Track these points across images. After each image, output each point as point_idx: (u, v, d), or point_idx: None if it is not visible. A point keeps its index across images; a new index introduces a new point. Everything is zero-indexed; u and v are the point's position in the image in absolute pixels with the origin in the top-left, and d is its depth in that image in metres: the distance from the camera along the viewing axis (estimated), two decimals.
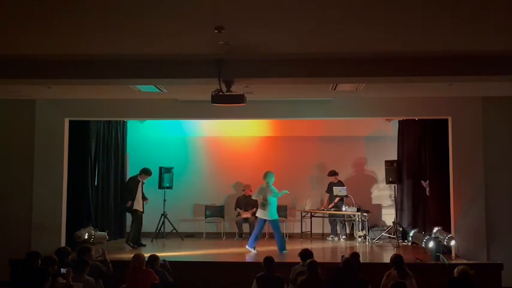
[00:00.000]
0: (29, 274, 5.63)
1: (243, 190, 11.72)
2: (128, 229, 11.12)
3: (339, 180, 11.45)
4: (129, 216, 10.87)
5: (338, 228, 11.52)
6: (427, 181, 10.21)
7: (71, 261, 6.57)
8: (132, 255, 6.76)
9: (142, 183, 10.50)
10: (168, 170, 11.38)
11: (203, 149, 12.25)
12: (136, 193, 10.31)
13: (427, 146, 10.26)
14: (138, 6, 4.69)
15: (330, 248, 10.52)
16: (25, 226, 9.12)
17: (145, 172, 10.49)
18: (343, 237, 11.35)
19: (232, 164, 12.02)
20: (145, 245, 10.09)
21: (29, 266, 6.19)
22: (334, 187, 11.26)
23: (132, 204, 10.27)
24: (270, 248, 9.81)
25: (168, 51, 6.28)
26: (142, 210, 10.41)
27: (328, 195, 11.54)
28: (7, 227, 9.09)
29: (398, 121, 11.24)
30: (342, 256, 7.10)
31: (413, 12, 4.82)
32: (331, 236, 11.49)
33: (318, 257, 6.98)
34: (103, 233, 9.31)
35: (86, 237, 8.82)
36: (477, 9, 4.73)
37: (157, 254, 6.98)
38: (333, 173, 11.42)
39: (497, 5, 4.65)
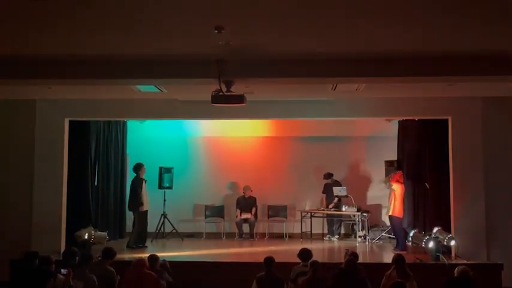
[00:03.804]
0: (31, 274, 5.63)
1: (243, 191, 11.71)
2: (128, 229, 11.12)
3: (336, 181, 11.45)
4: (129, 216, 10.85)
5: (334, 228, 11.53)
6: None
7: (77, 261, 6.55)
8: (132, 255, 6.72)
9: (145, 180, 10.48)
10: (168, 170, 11.37)
11: (203, 149, 12.25)
12: (142, 193, 10.25)
13: (427, 146, 10.25)
14: (138, 7, 4.69)
15: (330, 248, 10.52)
16: (25, 226, 9.12)
17: (139, 167, 10.38)
18: (336, 236, 11.36)
19: (232, 164, 12.02)
20: (146, 246, 10.08)
21: (28, 266, 6.18)
22: (334, 187, 11.26)
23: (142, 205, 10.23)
24: (270, 248, 9.82)
25: (168, 51, 6.28)
26: (147, 209, 10.37)
27: (325, 195, 11.55)
28: (7, 227, 9.08)
29: (398, 121, 11.23)
30: (345, 255, 7.09)
31: (414, 12, 4.83)
32: (327, 236, 11.50)
33: (317, 257, 6.98)
34: (103, 233, 9.28)
35: (86, 237, 8.80)
36: (478, 9, 4.74)
37: (157, 254, 6.96)
38: (329, 176, 11.42)
39: (498, 5, 4.66)
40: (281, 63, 6.55)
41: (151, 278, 6.22)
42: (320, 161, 11.90)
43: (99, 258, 7.00)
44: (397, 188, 9.76)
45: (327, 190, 11.50)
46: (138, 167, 10.39)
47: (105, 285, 6.26)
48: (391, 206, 9.74)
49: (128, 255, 8.90)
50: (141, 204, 10.13)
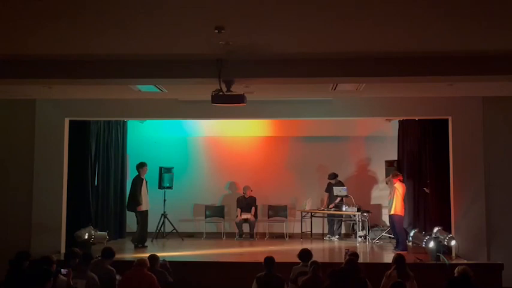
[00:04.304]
0: (31, 274, 5.62)
1: (243, 191, 11.70)
2: (128, 229, 11.13)
3: (339, 181, 11.45)
4: (129, 216, 10.85)
5: (335, 228, 11.53)
6: (428, 185, 10.18)
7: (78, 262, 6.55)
8: (132, 255, 6.72)
9: (146, 180, 10.44)
10: (168, 170, 11.37)
11: (203, 149, 12.24)
12: (141, 192, 10.18)
13: (427, 146, 10.26)
14: (138, 7, 4.69)
15: (330, 248, 10.52)
16: (25, 226, 9.12)
17: (141, 166, 10.36)
18: (337, 236, 11.36)
19: (232, 164, 12.02)
20: (147, 246, 10.05)
21: (18, 266, 6.19)
22: (334, 187, 11.26)
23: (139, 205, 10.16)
24: (270, 248, 9.82)
25: (168, 51, 6.28)
26: (147, 209, 10.33)
27: (327, 194, 11.56)
28: (7, 227, 9.09)
29: (398, 121, 11.24)
30: (345, 254, 7.09)
31: (414, 12, 4.83)
32: (328, 235, 11.50)
33: (317, 257, 6.98)
34: (103, 233, 9.27)
35: (86, 237, 8.80)
36: (477, 9, 4.74)
37: (157, 254, 6.97)
38: (334, 176, 11.42)
39: (498, 5, 4.66)
40: (281, 63, 6.54)
41: (151, 279, 6.22)
42: (320, 161, 11.90)
43: (99, 258, 6.99)
44: (399, 187, 9.76)
45: (329, 190, 11.50)
46: (139, 166, 10.36)
47: (105, 285, 6.26)
48: (393, 205, 9.72)
49: (128, 255, 8.91)
50: (139, 204, 10.10)
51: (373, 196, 11.94)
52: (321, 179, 11.67)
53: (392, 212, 9.76)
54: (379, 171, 11.67)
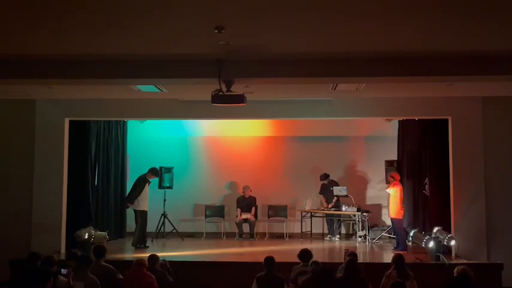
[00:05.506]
0: (30, 274, 5.62)
1: (243, 191, 11.70)
2: (128, 229, 11.12)
3: (332, 180, 11.44)
4: (129, 216, 10.83)
5: (335, 227, 11.52)
6: (426, 187, 10.17)
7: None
8: (132, 255, 6.73)
9: (150, 182, 10.41)
10: (168, 170, 11.37)
11: (203, 149, 12.25)
12: (141, 192, 10.15)
13: (427, 146, 10.26)
14: (138, 7, 4.69)
15: (330, 248, 10.52)
16: (25, 226, 9.13)
17: (154, 173, 10.36)
18: (338, 236, 11.36)
19: (232, 164, 12.03)
20: (148, 247, 10.03)
21: (29, 266, 6.19)
22: (334, 187, 11.25)
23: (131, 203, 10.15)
24: (270, 248, 9.81)
25: (168, 51, 6.28)
26: (146, 209, 10.28)
27: (323, 196, 11.54)
28: (7, 227, 9.09)
29: (398, 121, 11.23)
30: (345, 255, 7.08)
31: (414, 12, 4.83)
32: (328, 236, 11.50)
33: (317, 257, 6.98)
34: (103, 233, 9.26)
35: (86, 237, 8.80)
36: (478, 9, 4.74)
37: (157, 254, 6.97)
38: (325, 177, 11.41)
39: (498, 5, 4.66)
40: (281, 63, 6.55)
41: (150, 279, 6.23)
42: (320, 161, 11.89)
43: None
44: (392, 191, 9.77)
45: (324, 191, 11.50)
46: (153, 172, 10.31)
47: (104, 282, 6.27)
48: (390, 209, 9.76)
49: (128, 255, 8.91)
50: (130, 201, 10.07)
51: (372, 196, 11.92)
52: None
53: (390, 216, 9.83)
54: (379, 171, 11.64)
